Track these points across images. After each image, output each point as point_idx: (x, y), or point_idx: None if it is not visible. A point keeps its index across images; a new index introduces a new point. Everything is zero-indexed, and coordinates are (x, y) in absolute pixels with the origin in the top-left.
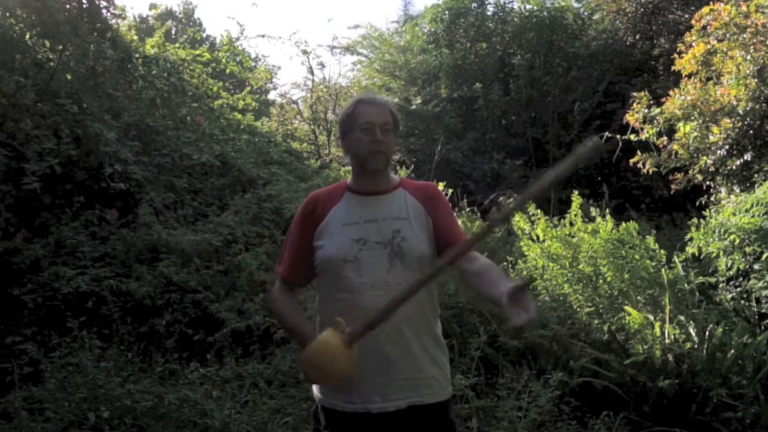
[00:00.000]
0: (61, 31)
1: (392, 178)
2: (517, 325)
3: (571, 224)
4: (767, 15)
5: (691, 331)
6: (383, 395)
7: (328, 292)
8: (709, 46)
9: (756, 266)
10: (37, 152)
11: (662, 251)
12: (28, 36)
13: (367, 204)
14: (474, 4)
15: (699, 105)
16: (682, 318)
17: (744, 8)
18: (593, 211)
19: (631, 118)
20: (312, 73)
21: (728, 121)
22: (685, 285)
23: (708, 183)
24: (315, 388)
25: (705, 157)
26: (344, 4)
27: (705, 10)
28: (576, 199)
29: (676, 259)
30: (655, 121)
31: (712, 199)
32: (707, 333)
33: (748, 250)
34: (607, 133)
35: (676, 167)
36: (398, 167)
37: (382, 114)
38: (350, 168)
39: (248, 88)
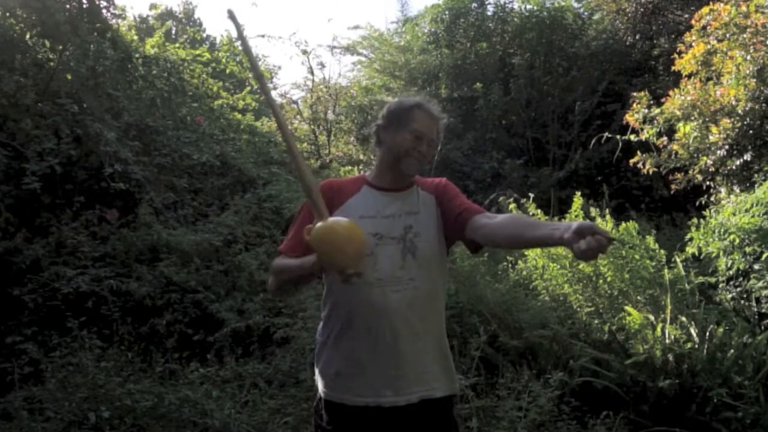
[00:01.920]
0: (61, 31)
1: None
2: (596, 250)
3: None
4: (767, 15)
5: (692, 331)
6: (395, 389)
7: (337, 286)
8: (709, 46)
9: (756, 266)
10: (37, 152)
11: (662, 251)
12: (28, 36)
13: (385, 200)
14: (474, 4)
15: (699, 105)
16: (683, 318)
17: (744, 8)
18: (593, 211)
19: (631, 118)
20: (312, 73)
21: (728, 121)
22: (686, 285)
23: (708, 183)
24: (320, 383)
25: (705, 157)
26: (344, 4)
27: (705, 10)
28: (578, 200)
29: (677, 259)
30: (655, 122)
31: (712, 199)
32: (707, 333)
33: (748, 250)
34: (607, 134)
35: (676, 167)
36: None
37: (435, 129)
38: (349, 168)
39: (248, 88)
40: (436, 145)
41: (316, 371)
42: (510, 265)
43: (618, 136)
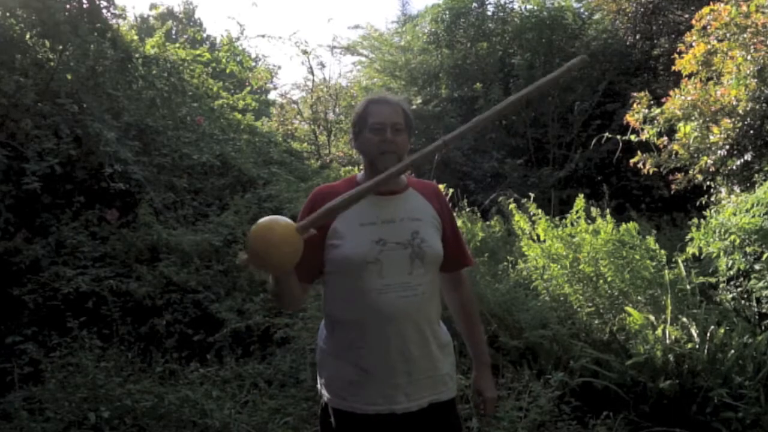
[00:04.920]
0: (61, 31)
1: (402, 178)
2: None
3: (572, 224)
4: (767, 15)
5: (693, 331)
6: (408, 395)
7: (343, 293)
8: (709, 46)
9: (756, 266)
10: (37, 152)
11: (662, 251)
12: (28, 36)
13: (383, 204)
14: (474, 4)
15: (699, 105)
16: (684, 319)
17: (744, 8)
18: (593, 211)
19: (631, 118)
20: (312, 73)
21: (728, 121)
22: (686, 285)
23: (708, 183)
24: (326, 392)
25: (705, 157)
26: (344, 4)
27: (705, 10)
28: (579, 201)
29: (677, 259)
30: (656, 122)
31: (712, 199)
32: (708, 333)
33: (748, 250)
34: (607, 134)
35: (677, 167)
36: None
37: (393, 114)
38: (349, 168)
39: (248, 88)
40: (404, 128)
41: (320, 380)
42: (510, 265)
43: (618, 136)
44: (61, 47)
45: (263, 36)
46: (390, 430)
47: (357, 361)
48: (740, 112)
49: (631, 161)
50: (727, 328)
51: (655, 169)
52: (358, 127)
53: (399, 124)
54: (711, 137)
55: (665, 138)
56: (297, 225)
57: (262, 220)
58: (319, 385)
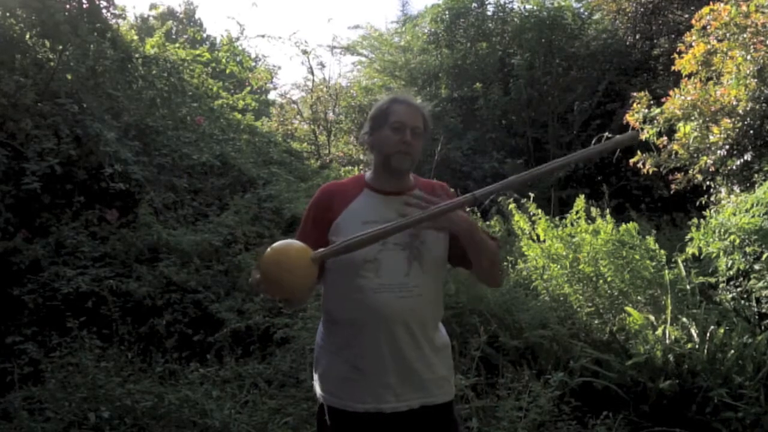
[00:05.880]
0: (61, 31)
1: (410, 177)
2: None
3: (572, 224)
4: (767, 15)
5: (692, 331)
6: (397, 395)
7: (339, 291)
8: (709, 46)
9: (756, 266)
10: (37, 152)
11: (662, 251)
12: (28, 36)
13: (388, 204)
14: (474, 4)
15: (699, 105)
16: (683, 319)
17: (744, 8)
18: (593, 211)
19: (631, 118)
20: (312, 73)
21: (728, 121)
22: (686, 285)
23: (708, 183)
24: (319, 389)
25: (705, 157)
26: (344, 4)
27: (705, 10)
28: (580, 201)
29: (677, 259)
30: (655, 121)
31: (712, 199)
32: (708, 333)
33: (748, 250)
34: (607, 133)
35: (676, 167)
36: None
37: (414, 117)
38: (349, 168)
39: (248, 88)
40: (422, 133)
41: (316, 376)
42: (510, 265)
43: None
44: (61, 47)
45: (263, 36)
46: (380, 429)
47: (350, 359)
48: (740, 112)
49: (631, 161)
50: (727, 328)
51: (655, 169)
52: (377, 122)
53: (418, 128)
54: (711, 137)
55: (665, 138)
56: (312, 254)
57: (276, 243)
58: (314, 381)
